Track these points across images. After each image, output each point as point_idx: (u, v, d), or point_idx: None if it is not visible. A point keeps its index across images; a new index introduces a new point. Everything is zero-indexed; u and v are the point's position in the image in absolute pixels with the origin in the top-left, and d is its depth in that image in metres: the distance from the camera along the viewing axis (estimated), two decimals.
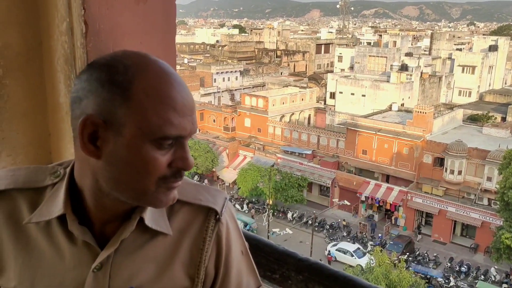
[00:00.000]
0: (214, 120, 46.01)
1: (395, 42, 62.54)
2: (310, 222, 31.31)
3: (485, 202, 31.97)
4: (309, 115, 46.64)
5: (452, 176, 32.64)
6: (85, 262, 0.87)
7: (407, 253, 28.81)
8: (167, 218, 0.92)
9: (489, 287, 26.05)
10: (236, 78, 57.09)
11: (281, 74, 63.11)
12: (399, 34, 77.11)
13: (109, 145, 0.79)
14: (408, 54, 56.56)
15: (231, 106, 47.36)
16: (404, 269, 23.31)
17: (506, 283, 26.73)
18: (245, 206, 36.11)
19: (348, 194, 34.44)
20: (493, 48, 61.76)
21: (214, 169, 40.02)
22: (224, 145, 41.58)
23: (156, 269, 0.90)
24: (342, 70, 62.74)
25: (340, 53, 67.48)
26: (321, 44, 76.29)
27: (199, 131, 42.64)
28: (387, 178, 36.00)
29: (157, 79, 0.80)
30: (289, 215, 34.81)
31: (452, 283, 26.34)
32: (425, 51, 68.72)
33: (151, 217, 0.90)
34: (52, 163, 1.00)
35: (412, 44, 69.82)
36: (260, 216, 34.49)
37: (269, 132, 42.34)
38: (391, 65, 51.09)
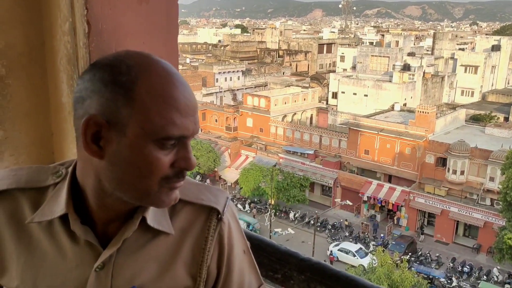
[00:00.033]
0: (216, 120, 46.02)
1: (397, 42, 62.39)
2: (312, 222, 31.30)
3: (488, 202, 31.90)
4: (311, 115, 46.62)
5: (454, 176, 32.58)
6: (87, 262, 0.88)
7: (409, 253, 28.78)
8: (169, 217, 0.92)
9: None
10: (238, 78, 57.09)
11: (283, 74, 63.07)
12: (401, 34, 76.92)
13: (112, 145, 0.80)
14: (411, 54, 56.44)
15: (233, 106, 47.32)
16: (406, 269, 23.29)
17: (509, 283, 26.67)
18: (247, 206, 36.11)
19: (350, 194, 34.42)
20: (495, 48, 61.60)
21: (216, 169, 40.03)
22: (226, 145, 41.61)
23: (158, 268, 0.90)
24: (344, 70, 62.64)
25: (342, 53, 67.39)
26: (323, 44, 76.23)
27: (201, 131, 42.68)
28: (389, 178, 35.96)
29: (160, 80, 0.80)
30: (291, 215, 34.80)
31: (454, 284, 26.30)
32: (427, 51, 68.60)
33: (153, 216, 0.90)
34: (54, 162, 1.00)
35: (414, 44, 69.65)
36: (262, 216, 34.48)
37: (271, 132, 42.33)
38: (394, 65, 50.98)
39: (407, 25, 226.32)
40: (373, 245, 30.20)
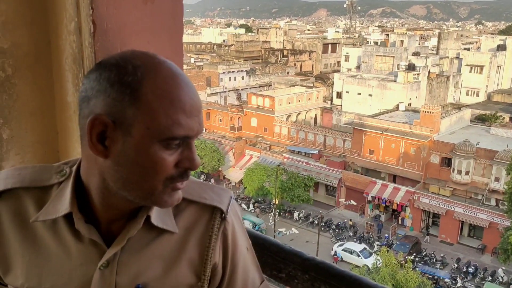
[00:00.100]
0: (220, 120, 46.05)
1: (402, 42, 62.21)
2: (316, 222, 31.27)
3: (493, 202, 31.75)
4: (316, 114, 46.55)
5: (459, 177, 32.46)
6: (91, 260, 0.88)
7: (414, 254, 28.69)
8: (173, 216, 0.93)
9: None
10: (243, 78, 57.07)
11: (288, 73, 63.02)
12: (406, 33, 76.60)
13: (118, 145, 0.80)
14: (416, 54, 56.27)
15: (237, 105, 47.33)
16: (411, 269, 23.23)
17: None
18: (251, 205, 36.12)
19: (355, 194, 34.36)
20: (501, 48, 61.33)
21: (220, 169, 40.06)
22: (231, 144, 41.63)
23: (162, 266, 0.91)
24: (349, 69, 62.53)
25: (347, 53, 67.28)
26: (328, 44, 76.10)
27: (205, 131, 42.71)
28: (394, 178, 35.86)
29: (166, 80, 0.80)
30: (295, 214, 34.78)
31: (459, 284, 26.20)
32: (432, 50, 68.36)
33: (158, 215, 0.90)
34: (59, 161, 1.01)
35: (419, 44, 69.45)
36: (266, 216, 34.49)
37: (276, 132, 42.31)
38: (398, 65, 50.85)
39: (412, 25, 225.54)
40: (377, 245, 30.14)
